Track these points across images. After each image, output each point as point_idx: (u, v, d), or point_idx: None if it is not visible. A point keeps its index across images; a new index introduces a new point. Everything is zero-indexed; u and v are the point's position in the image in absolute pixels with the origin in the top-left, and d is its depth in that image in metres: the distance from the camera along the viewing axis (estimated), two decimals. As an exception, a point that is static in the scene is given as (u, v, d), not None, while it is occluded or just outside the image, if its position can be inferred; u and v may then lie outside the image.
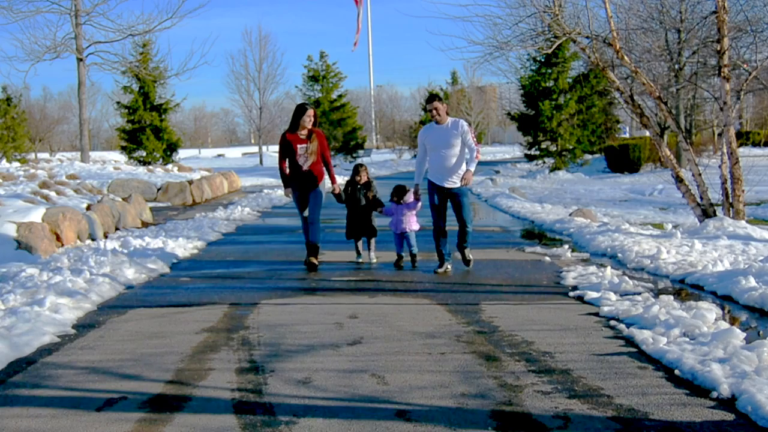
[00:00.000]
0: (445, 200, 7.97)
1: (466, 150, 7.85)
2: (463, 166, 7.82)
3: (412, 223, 8.56)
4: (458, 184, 7.82)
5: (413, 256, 8.55)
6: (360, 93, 67.11)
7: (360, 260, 8.84)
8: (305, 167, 8.41)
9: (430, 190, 7.99)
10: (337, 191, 8.77)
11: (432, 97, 7.95)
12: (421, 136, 8.10)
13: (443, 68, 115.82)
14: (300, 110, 8.43)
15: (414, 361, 4.77)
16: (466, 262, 8.24)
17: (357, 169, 8.77)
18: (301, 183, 8.48)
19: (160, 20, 27.53)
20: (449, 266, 8.07)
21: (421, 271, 8.15)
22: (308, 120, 8.35)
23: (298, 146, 8.40)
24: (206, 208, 17.56)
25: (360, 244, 8.90)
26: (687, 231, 10.75)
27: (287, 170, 8.57)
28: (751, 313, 6.16)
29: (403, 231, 8.53)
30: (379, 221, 9.07)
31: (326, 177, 8.66)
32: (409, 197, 8.49)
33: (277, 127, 58.92)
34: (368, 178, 8.78)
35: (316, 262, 8.47)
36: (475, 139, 7.80)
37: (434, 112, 7.78)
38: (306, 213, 8.60)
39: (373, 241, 8.89)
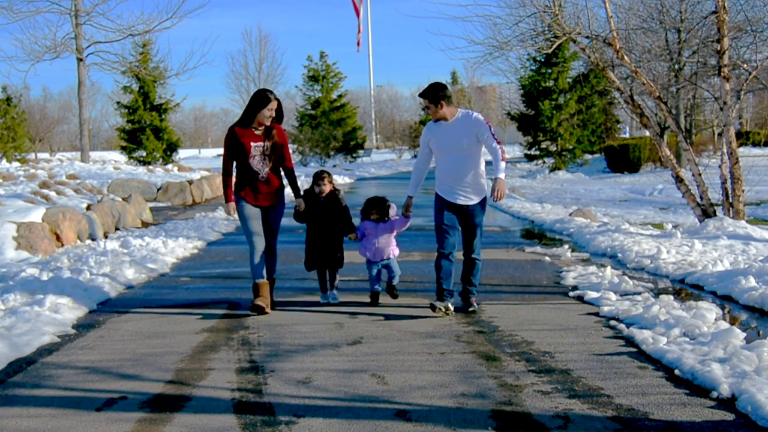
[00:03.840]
0: (455, 219, 6.08)
1: (478, 152, 6.08)
2: (481, 175, 6.08)
3: (394, 247, 6.64)
4: (474, 200, 6.03)
5: (392, 287, 6.70)
6: (360, 93, 67.09)
7: (326, 301, 6.69)
8: (263, 174, 6.27)
9: (438, 206, 6.12)
10: (302, 207, 6.55)
11: (425, 92, 6.06)
12: (424, 136, 6.24)
13: (443, 68, 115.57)
14: (260, 100, 6.24)
15: (414, 361, 4.77)
16: (468, 305, 6.24)
17: (318, 178, 6.57)
18: (257, 196, 6.31)
19: (160, 20, 27.57)
20: (450, 306, 6.09)
21: (420, 272, 8.13)
22: (268, 115, 6.21)
23: (252, 145, 6.22)
24: (206, 208, 17.55)
25: (325, 276, 6.73)
26: (687, 231, 10.76)
27: (234, 177, 6.41)
28: (751, 313, 6.16)
29: (381, 259, 6.56)
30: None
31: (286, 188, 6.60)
32: (393, 213, 6.61)
33: (276, 127, 58.91)
34: (334, 188, 6.64)
35: (264, 306, 6.23)
36: (495, 136, 5.95)
37: (427, 111, 6.14)
38: (258, 239, 6.36)
39: (336, 273, 6.73)
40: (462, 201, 6.04)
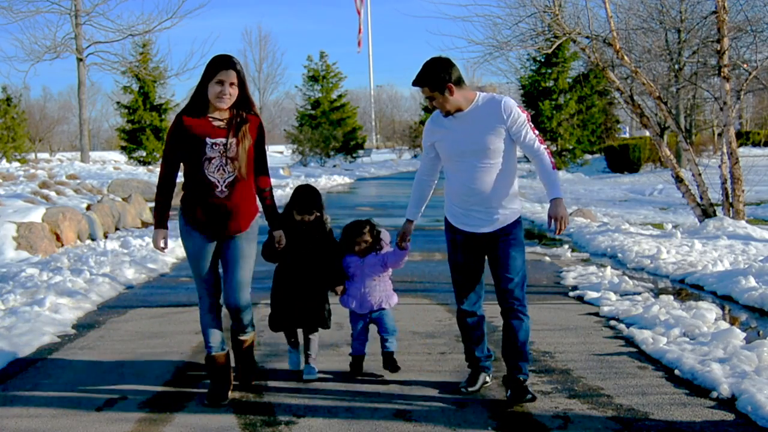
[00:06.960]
0: (479, 257, 4.10)
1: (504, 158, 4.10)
2: (515, 192, 4.13)
3: (389, 292, 4.54)
4: (502, 225, 4.00)
5: (388, 356, 4.51)
6: (360, 93, 67.09)
7: (294, 368, 4.59)
8: (222, 187, 4.01)
9: (449, 238, 4.18)
10: (282, 244, 4.31)
11: (420, 77, 3.95)
12: (427, 136, 4.17)
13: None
14: (217, 64, 3.95)
15: (414, 361, 4.77)
16: (520, 394, 3.95)
17: (305, 202, 4.40)
18: (211, 220, 4.08)
19: (160, 20, 27.70)
20: (488, 378, 4.24)
21: (420, 272, 8.12)
22: (219, 90, 3.93)
23: (209, 141, 3.97)
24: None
25: (296, 335, 4.63)
26: (687, 231, 10.76)
27: (167, 190, 4.20)
28: (751, 313, 6.16)
29: (371, 310, 4.50)
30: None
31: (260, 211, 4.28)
32: (386, 241, 4.51)
33: (276, 127, 58.98)
34: (320, 213, 4.43)
35: (223, 395, 4.08)
36: (537, 133, 4.06)
37: (431, 104, 4.05)
38: (212, 289, 4.18)
39: (315, 337, 4.56)
40: (485, 228, 4.00)
